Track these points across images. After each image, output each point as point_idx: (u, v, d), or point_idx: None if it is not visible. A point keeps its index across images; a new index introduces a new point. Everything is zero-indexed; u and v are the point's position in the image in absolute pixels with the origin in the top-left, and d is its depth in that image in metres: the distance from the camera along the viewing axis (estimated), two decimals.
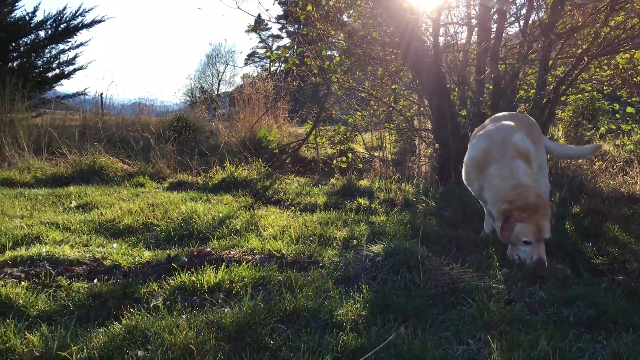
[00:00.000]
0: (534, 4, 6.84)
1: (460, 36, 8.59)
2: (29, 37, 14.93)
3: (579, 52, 6.77)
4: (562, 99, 7.32)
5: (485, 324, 2.77)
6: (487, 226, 4.59)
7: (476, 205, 5.09)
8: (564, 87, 6.88)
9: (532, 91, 6.98)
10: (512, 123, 4.41)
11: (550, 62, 6.86)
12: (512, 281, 3.45)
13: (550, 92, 6.79)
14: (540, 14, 7.02)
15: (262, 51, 55.59)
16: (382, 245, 3.59)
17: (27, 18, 14.84)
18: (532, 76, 7.48)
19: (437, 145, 7.31)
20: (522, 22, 6.96)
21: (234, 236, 4.63)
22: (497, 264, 3.79)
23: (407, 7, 7.06)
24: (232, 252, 4.05)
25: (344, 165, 8.87)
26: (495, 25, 7.03)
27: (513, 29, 8.01)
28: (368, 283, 3.30)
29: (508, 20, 7.18)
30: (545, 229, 3.71)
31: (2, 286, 3.15)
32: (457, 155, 6.25)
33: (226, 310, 2.89)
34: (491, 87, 7.13)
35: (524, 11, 6.96)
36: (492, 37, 6.90)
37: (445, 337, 2.66)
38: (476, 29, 7.45)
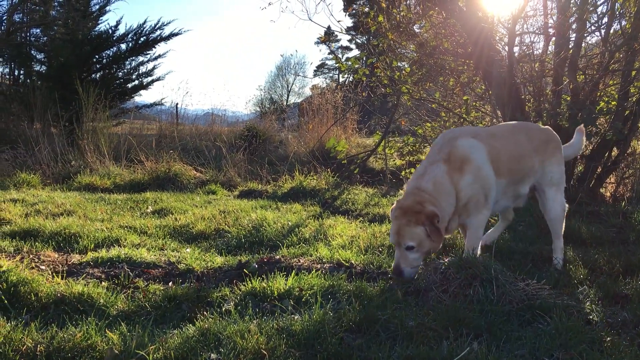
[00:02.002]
0: (616, 12, 6.56)
1: (536, 46, 8.34)
2: (111, 49, 15.66)
3: None
4: None
5: (564, 343, 2.65)
6: None
7: None
8: None
9: (613, 103, 6.66)
10: (480, 130, 4.12)
11: (634, 72, 6.54)
12: (592, 300, 3.30)
13: (633, 104, 6.48)
14: (623, 23, 6.71)
15: (331, 62, 56.14)
16: (453, 258, 3.52)
17: (110, 32, 15.61)
18: (614, 87, 7.14)
19: None
20: (603, 31, 6.68)
21: (303, 245, 4.67)
22: (576, 282, 3.64)
23: (481, 17, 6.93)
24: (301, 260, 4.08)
25: None
26: (574, 35, 6.78)
27: (593, 39, 7.70)
28: (439, 296, 3.24)
29: (588, 30, 6.91)
30: (405, 236, 3.52)
31: (85, 285, 3.32)
32: None
33: (296, 317, 2.90)
34: (569, 98, 6.86)
35: (605, 20, 6.69)
36: (570, 46, 6.65)
37: (521, 355, 2.57)
38: (553, 38, 7.20)
